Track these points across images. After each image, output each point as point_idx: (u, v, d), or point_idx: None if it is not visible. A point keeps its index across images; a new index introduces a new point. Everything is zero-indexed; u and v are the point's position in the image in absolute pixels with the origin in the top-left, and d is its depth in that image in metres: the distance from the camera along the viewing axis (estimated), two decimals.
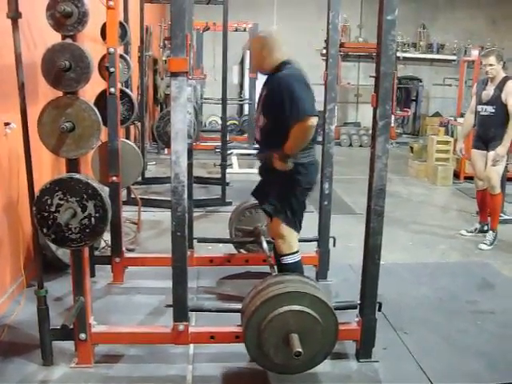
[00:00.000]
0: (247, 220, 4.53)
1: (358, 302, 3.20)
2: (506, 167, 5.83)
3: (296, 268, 3.49)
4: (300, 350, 2.71)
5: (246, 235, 4.52)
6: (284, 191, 3.46)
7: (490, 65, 5.36)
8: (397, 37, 2.90)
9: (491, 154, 5.39)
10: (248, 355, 2.96)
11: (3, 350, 3.22)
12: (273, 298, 2.83)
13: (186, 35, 2.68)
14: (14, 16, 2.71)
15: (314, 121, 3.22)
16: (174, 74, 2.69)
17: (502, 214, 6.01)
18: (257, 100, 3.70)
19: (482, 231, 5.78)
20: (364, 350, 3.21)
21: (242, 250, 4.59)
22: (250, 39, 3.43)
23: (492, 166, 5.37)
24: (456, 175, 8.60)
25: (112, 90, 3.95)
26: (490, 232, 5.55)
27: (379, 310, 3.18)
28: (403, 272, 4.69)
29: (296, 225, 3.55)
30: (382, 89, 2.84)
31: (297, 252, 3.56)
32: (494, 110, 5.41)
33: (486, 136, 5.52)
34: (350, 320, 3.23)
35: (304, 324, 2.81)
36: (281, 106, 3.26)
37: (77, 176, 2.74)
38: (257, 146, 3.88)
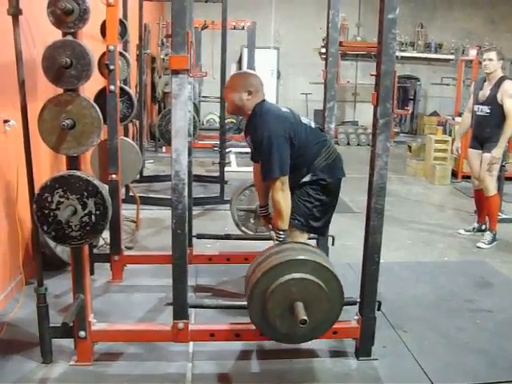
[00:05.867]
0: (248, 199, 4.47)
1: (358, 299, 3.20)
2: (503, 167, 5.84)
3: None
4: (305, 317, 2.67)
5: (248, 214, 4.47)
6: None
7: (490, 59, 5.31)
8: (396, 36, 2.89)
9: (486, 155, 5.38)
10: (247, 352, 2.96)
11: (2, 347, 3.21)
12: (273, 268, 2.79)
13: (187, 33, 2.67)
14: (15, 12, 2.70)
15: (277, 184, 3.18)
16: (175, 72, 2.68)
17: (499, 213, 6.01)
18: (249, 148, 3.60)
19: (480, 230, 5.79)
20: (363, 348, 3.21)
21: (244, 229, 4.53)
22: (230, 80, 3.24)
23: (488, 169, 5.36)
24: (454, 174, 8.62)
25: (112, 87, 3.94)
26: (488, 232, 5.55)
27: (378, 309, 3.18)
28: (402, 270, 4.69)
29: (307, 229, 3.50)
30: (383, 87, 2.84)
31: None
32: (489, 110, 5.39)
33: (481, 136, 5.51)
34: (350, 318, 3.24)
35: (307, 291, 2.78)
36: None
37: (77, 173, 2.74)
38: None
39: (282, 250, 2.96)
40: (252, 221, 4.46)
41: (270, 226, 3.70)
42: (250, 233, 4.49)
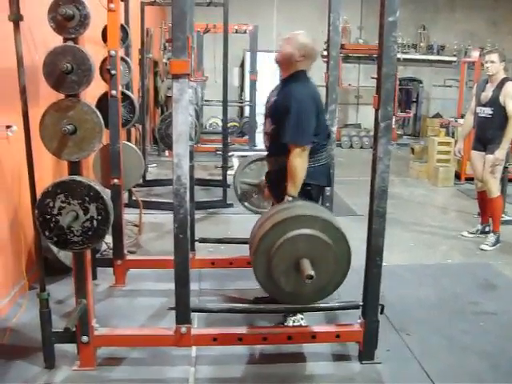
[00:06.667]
0: (253, 173, 4.44)
1: (361, 302, 3.19)
2: (506, 168, 5.83)
3: None
4: (312, 273, 2.63)
5: (251, 188, 4.45)
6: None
7: (492, 61, 5.33)
8: (397, 38, 2.89)
9: (489, 157, 5.37)
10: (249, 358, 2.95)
11: (5, 352, 3.22)
12: (283, 222, 2.75)
13: (187, 37, 2.68)
14: (16, 18, 2.71)
15: (299, 151, 3.20)
16: (176, 76, 2.69)
17: (503, 215, 6.00)
18: (265, 102, 3.62)
19: (483, 232, 5.78)
20: (367, 352, 3.20)
21: (247, 204, 4.48)
22: (292, 34, 3.31)
23: (490, 171, 5.36)
24: (457, 176, 8.61)
25: (113, 92, 3.95)
26: (492, 234, 5.54)
27: (381, 312, 3.16)
28: (405, 273, 4.69)
29: None
30: (384, 90, 2.84)
31: None
32: (492, 112, 5.39)
33: (484, 138, 5.51)
34: (353, 322, 3.23)
35: (316, 250, 2.74)
36: (285, 119, 3.25)
37: (79, 178, 2.74)
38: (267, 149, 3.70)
39: (293, 206, 2.92)
40: (255, 196, 4.42)
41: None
42: (253, 208, 4.45)
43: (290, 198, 3.23)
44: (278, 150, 3.36)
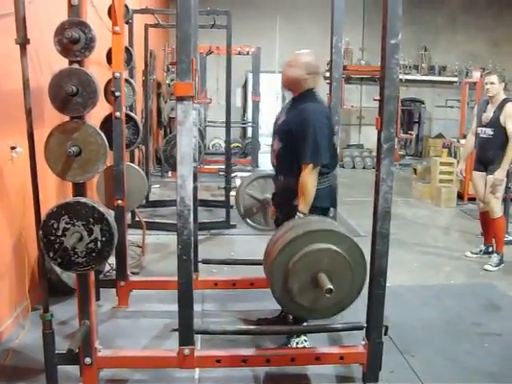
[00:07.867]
0: (259, 188, 4.42)
1: (364, 324, 3.18)
2: (509, 188, 5.83)
3: None
4: (331, 286, 2.63)
5: (254, 203, 4.44)
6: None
7: (492, 83, 5.37)
8: (399, 60, 2.91)
9: (490, 178, 5.39)
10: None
11: (8, 374, 3.21)
12: (314, 232, 2.80)
13: (191, 60, 2.70)
14: (23, 42, 2.74)
15: (311, 169, 3.24)
16: (180, 99, 2.71)
17: (506, 235, 5.98)
18: (274, 121, 3.64)
19: (486, 253, 5.76)
20: (371, 374, 3.17)
21: (248, 220, 4.51)
22: (294, 56, 3.35)
23: (491, 192, 5.36)
24: (460, 196, 8.61)
25: (117, 114, 3.98)
26: (495, 254, 5.53)
27: (385, 333, 3.15)
28: (409, 294, 4.67)
29: None
30: (387, 112, 2.85)
31: None
32: (492, 133, 5.41)
33: (485, 158, 5.53)
34: (357, 343, 3.21)
35: (337, 268, 2.75)
36: (296, 138, 3.29)
37: (83, 200, 2.75)
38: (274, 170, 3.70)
39: (325, 220, 2.98)
40: (255, 210, 4.43)
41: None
42: (254, 224, 4.46)
43: (302, 215, 3.25)
44: (287, 169, 3.41)
